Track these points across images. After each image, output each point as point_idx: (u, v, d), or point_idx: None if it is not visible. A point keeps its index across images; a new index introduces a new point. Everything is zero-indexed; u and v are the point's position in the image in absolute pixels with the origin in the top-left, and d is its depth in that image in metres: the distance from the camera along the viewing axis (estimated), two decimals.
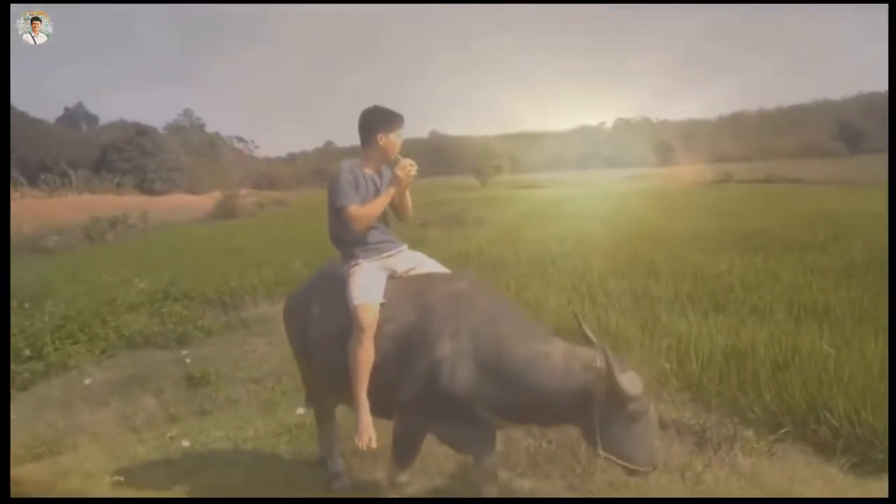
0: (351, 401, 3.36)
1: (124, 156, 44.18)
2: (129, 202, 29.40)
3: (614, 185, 38.10)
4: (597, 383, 2.97)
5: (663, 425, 4.19)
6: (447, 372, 3.11)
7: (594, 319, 6.58)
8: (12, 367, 6.70)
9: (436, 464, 3.96)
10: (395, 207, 3.62)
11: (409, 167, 3.44)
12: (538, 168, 62.48)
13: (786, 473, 3.55)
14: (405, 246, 3.64)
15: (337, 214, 3.45)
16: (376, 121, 3.52)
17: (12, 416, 6.01)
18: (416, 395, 3.20)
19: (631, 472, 3.07)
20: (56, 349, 7.15)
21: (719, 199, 22.07)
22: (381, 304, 3.31)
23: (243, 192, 27.10)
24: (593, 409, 2.96)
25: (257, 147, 65.61)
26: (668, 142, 70.30)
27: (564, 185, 42.86)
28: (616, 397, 2.90)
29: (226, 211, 26.38)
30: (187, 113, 61.13)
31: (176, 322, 8.13)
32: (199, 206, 29.38)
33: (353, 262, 3.46)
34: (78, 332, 7.55)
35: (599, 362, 2.99)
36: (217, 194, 28.98)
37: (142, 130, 46.56)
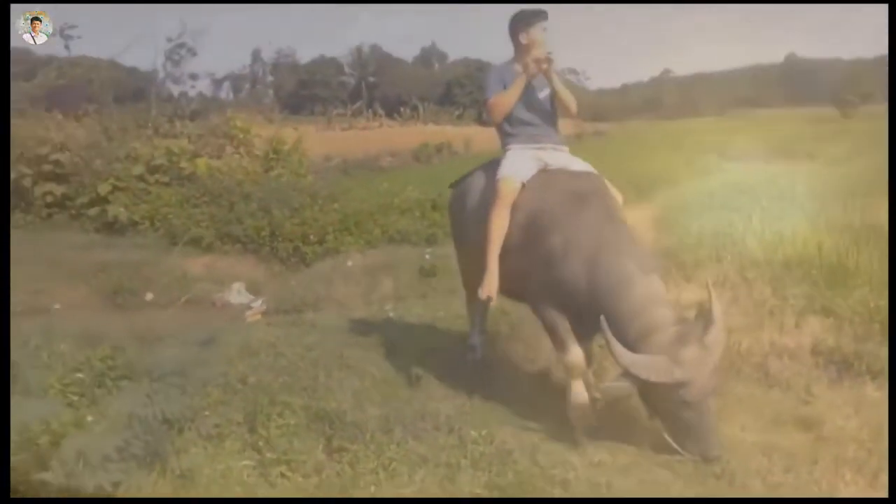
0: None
1: (465, 90, 48.55)
2: (460, 132, 32.58)
3: None
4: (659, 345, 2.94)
5: None
6: (559, 261, 3.29)
7: None
8: (302, 248, 8.81)
9: None
10: (558, 103, 3.83)
11: (538, 54, 3.65)
12: None
13: None
14: (566, 148, 3.89)
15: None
16: (516, 21, 3.78)
17: (292, 283, 7.98)
18: (539, 282, 3.43)
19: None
20: (334, 238, 9.24)
21: None
22: (523, 188, 3.56)
23: (560, 122, 27.83)
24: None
25: (588, 79, 65.50)
26: None
27: None
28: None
29: None
30: None
31: (429, 225, 9.64)
32: None
33: (507, 148, 3.84)
34: (352, 227, 9.55)
35: (667, 327, 2.96)
36: None
37: (481, 66, 50.17)
